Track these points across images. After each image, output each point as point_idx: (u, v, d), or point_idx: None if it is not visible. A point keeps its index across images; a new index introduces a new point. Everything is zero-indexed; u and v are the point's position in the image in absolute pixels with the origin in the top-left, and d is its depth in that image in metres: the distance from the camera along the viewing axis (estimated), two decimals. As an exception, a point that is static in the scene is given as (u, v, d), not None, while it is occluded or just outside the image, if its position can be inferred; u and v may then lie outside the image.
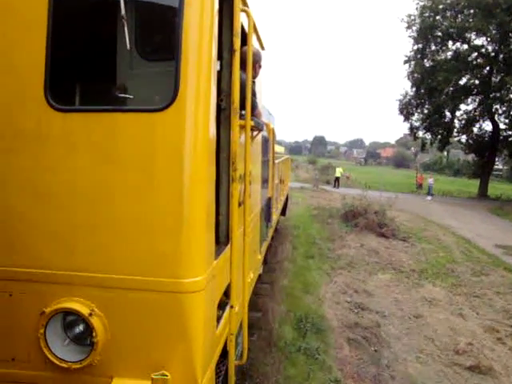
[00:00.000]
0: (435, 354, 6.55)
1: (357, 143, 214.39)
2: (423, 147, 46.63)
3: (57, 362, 2.59)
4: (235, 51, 2.94)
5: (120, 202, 2.54)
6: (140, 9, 3.23)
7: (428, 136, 44.16)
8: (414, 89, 41.69)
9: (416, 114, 43.41)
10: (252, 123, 3.39)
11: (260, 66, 4.37)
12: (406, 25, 39.78)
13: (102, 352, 2.56)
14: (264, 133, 6.01)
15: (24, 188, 2.62)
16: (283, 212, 14.45)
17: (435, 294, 9.44)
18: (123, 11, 2.55)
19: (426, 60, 39.88)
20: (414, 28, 39.35)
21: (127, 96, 3.16)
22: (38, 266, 2.61)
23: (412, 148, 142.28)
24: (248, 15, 3.32)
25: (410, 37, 40.11)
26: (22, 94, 2.61)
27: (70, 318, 2.62)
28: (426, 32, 38.13)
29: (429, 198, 34.95)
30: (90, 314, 2.54)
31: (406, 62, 41.16)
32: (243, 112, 3.22)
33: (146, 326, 2.57)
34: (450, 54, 39.58)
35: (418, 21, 38.75)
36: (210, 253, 2.77)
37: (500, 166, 76.49)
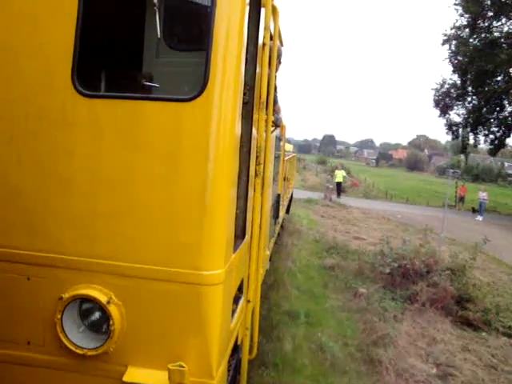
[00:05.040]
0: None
1: (367, 144, 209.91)
2: (464, 149, 36.95)
3: (72, 348, 2.62)
4: (265, 45, 3.09)
5: (143, 191, 2.56)
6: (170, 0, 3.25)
7: (474, 134, 34.61)
8: (456, 75, 33.09)
9: (457, 108, 34.52)
10: (273, 118, 3.53)
11: (280, 62, 4.32)
12: None
13: (118, 340, 2.59)
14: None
15: (47, 173, 2.64)
16: (287, 210, 14.46)
17: None
18: None
19: (475, 37, 30.88)
20: None
21: (153, 85, 3.16)
22: (58, 252, 2.64)
23: (425, 150, 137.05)
24: (275, 10, 3.40)
25: (456, 4, 30.91)
26: (49, 78, 2.63)
27: (86, 306, 2.65)
28: None
29: (479, 217, 27.09)
30: (108, 302, 2.56)
31: (445, 41, 32.30)
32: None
33: (163, 316, 2.59)
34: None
35: None
36: (229, 246, 2.78)
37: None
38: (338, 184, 29.95)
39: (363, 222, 19.12)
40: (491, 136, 33.53)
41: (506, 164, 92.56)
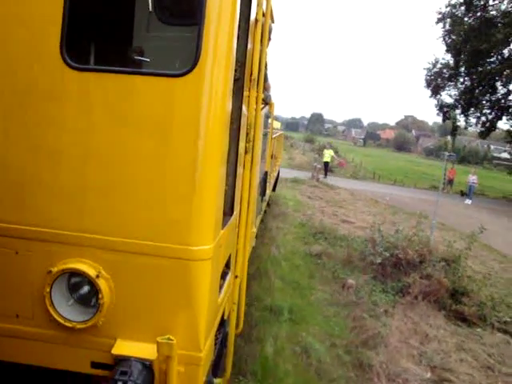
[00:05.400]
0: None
1: (355, 123, 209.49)
2: (454, 130, 36.19)
3: (61, 321, 2.64)
4: (257, 21, 3.11)
5: (133, 166, 2.56)
6: None
7: (465, 116, 33.98)
8: (449, 55, 32.63)
9: (448, 88, 33.95)
10: (262, 96, 3.50)
11: (270, 39, 4.24)
12: None
13: (107, 314, 2.61)
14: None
15: (36, 145, 2.61)
16: (274, 187, 14.47)
17: None
18: None
19: (470, 15, 30.09)
20: None
21: (144, 59, 3.12)
22: (46, 226, 2.63)
23: (413, 131, 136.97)
24: None
25: None
26: (37, 48, 2.57)
27: (75, 279, 2.67)
28: None
29: (468, 201, 26.76)
30: (97, 276, 2.58)
31: (439, 20, 31.59)
32: None
33: (152, 290, 2.62)
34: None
35: None
36: (218, 222, 2.80)
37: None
38: (326, 164, 29.25)
39: (351, 204, 18.57)
40: (483, 118, 33.08)
41: (492, 147, 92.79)
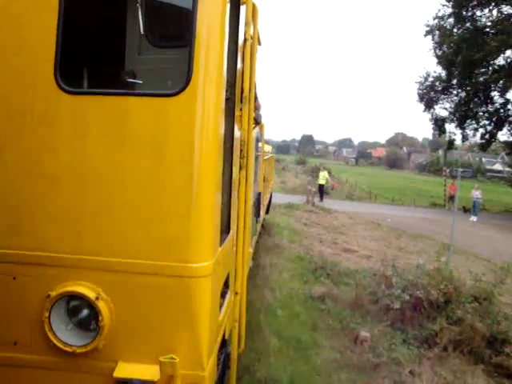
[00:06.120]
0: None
1: (345, 142, 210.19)
2: (450, 145, 34.99)
3: (61, 346, 2.62)
4: (246, 41, 3.19)
5: (130, 186, 2.59)
6: None
7: (461, 128, 32.26)
8: (440, 67, 31.46)
9: (442, 102, 32.63)
10: (254, 115, 3.61)
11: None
12: None
13: (108, 336, 2.60)
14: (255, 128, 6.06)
15: (31, 170, 2.65)
16: (267, 210, 14.32)
17: None
18: None
19: (459, 26, 29.17)
20: None
21: (136, 81, 3.19)
22: (44, 249, 2.64)
23: (404, 148, 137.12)
24: (254, 8, 3.45)
25: None
26: (31, 74, 2.64)
27: (74, 303, 2.65)
28: None
29: (473, 218, 25.30)
30: (97, 298, 2.57)
31: (428, 32, 30.79)
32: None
33: (152, 310, 2.61)
34: (507, 9, 27.84)
35: None
36: (216, 239, 2.83)
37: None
38: (321, 186, 27.86)
39: (351, 229, 17.16)
40: (481, 130, 31.91)
41: (484, 159, 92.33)
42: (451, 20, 29.64)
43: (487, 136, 31.91)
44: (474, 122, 31.69)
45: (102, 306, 2.55)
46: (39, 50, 2.61)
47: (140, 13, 2.72)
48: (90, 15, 3.13)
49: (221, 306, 3.13)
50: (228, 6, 2.80)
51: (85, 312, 2.63)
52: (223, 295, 3.26)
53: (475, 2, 28.48)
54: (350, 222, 19.10)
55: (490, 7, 28.14)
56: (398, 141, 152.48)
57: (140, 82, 3.19)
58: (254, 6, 3.42)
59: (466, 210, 27.43)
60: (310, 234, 15.40)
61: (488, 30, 28.02)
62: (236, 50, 3.29)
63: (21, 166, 2.64)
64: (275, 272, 9.77)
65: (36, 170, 2.63)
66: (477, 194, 26.12)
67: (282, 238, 13.65)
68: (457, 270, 9.23)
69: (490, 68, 28.90)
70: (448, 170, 34.64)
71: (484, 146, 33.54)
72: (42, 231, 2.64)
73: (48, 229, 2.63)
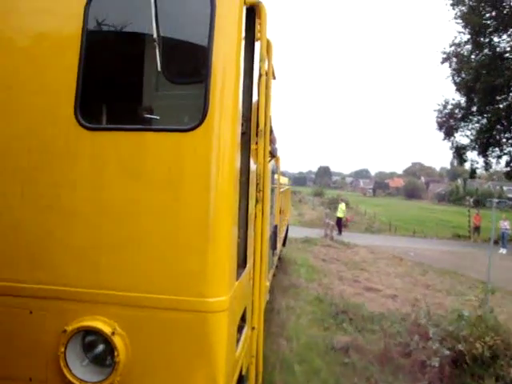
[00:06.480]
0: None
1: (362, 173, 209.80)
2: (473, 173, 33.11)
3: (76, 383, 2.61)
4: (261, 76, 3.28)
5: (147, 220, 2.61)
6: (168, 35, 3.19)
7: (484, 156, 30.96)
8: (459, 94, 30.50)
9: (462, 129, 31.41)
10: (269, 148, 3.59)
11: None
12: (452, 1, 28.28)
13: (123, 372, 2.58)
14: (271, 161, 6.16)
15: (50, 204, 2.70)
16: (284, 242, 14.06)
17: None
18: (155, 34, 2.69)
19: (477, 52, 28.46)
20: (463, 8, 28.04)
21: (153, 117, 3.25)
22: (61, 284, 2.66)
23: (422, 177, 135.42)
24: (269, 44, 3.50)
25: (456, 18, 28.73)
26: (52, 113, 2.74)
27: (90, 338, 2.65)
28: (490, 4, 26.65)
29: (503, 250, 23.69)
30: (113, 333, 2.57)
31: (444, 59, 30.01)
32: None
33: (168, 345, 2.60)
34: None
35: None
36: (233, 273, 2.81)
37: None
38: (339, 219, 26.75)
39: (373, 265, 16.15)
40: (505, 157, 30.32)
41: (505, 188, 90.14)
42: (468, 46, 29.15)
43: None
44: (497, 149, 30.45)
45: (117, 341, 2.55)
46: (61, 88, 2.72)
47: (157, 50, 2.77)
48: (109, 54, 3.24)
49: (238, 341, 3.09)
50: (243, 42, 2.87)
51: (100, 347, 2.62)
52: (240, 330, 3.22)
53: (492, 29, 28.00)
54: (371, 257, 18.07)
55: (509, 32, 27.62)
56: (415, 170, 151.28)
57: (157, 117, 3.23)
58: (268, 41, 3.50)
59: (493, 242, 25.94)
60: (329, 271, 14.38)
61: (508, 55, 27.30)
62: (251, 85, 3.36)
63: (40, 200, 2.70)
64: (292, 317, 8.66)
65: (54, 205, 2.68)
66: (505, 224, 24.74)
67: (299, 277, 12.58)
68: (493, 307, 8.15)
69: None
70: (472, 200, 33.15)
71: (510, 174, 31.78)
72: (59, 265, 2.67)
73: (66, 263, 2.67)
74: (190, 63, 3.19)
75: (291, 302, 9.82)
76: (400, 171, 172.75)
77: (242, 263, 3.25)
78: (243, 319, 3.32)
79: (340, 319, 8.68)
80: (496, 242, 25.64)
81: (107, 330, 2.54)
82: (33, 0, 2.88)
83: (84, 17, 2.75)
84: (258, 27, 3.36)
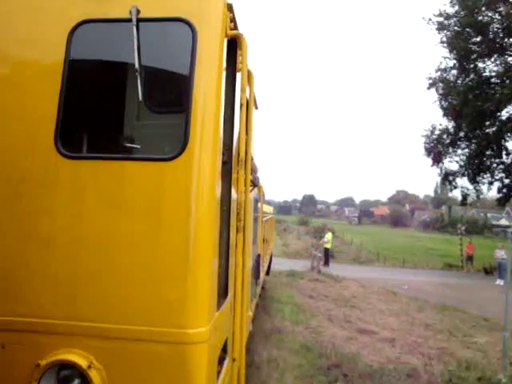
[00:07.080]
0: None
1: (347, 201, 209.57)
2: (464, 200, 31.43)
3: None
4: (242, 106, 3.26)
5: (126, 250, 2.57)
6: (150, 65, 3.25)
7: (474, 182, 29.76)
8: (446, 118, 29.79)
9: (451, 155, 30.20)
10: (251, 177, 3.56)
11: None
12: (437, 26, 27.75)
13: None
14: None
15: (27, 233, 2.65)
16: (267, 272, 14.03)
17: None
18: (137, 64, 2.68)
19: (463, 77, 28.01)
20: (448, 32, 27.75)
21: (134, 146, 3.25)
22: (36, 316, 2.58)
23: (406, 205, 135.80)
24: (250, 74, 3.59)
25: (442, 43, 28.32)
26: (32, 140, 2.71)
27: (65, 372, 2.55)
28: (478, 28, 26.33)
29: (500, 281, 21.94)
30: (89, 367, 2.49)
31: (431, 85, 29.40)
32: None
33: (147, 378, 2.52)
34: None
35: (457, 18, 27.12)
36: (213, 304, 2.77)
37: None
38: (326, 250, 25.50)
39: (365, 301, 14.86)
40: (497, 184, 29.28)
41: (489, 215, 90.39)
42: (454, 71, 28.62)
43: (504, 190, 29.03)
44: (488, 174, 29.34)
45: (94, 375, 2.47)
46: (41, 116, 2.71)
47: (139, 80, 2.76)
48: (90, 84, 3.23)
49: (219, 373, 3.01)
50: (224, 73, 2.92)
51: (76, 382, 2.53)
52: (221, 362, 3.13)
53: (476, 55, 27.68)
54: (362, 292, 16.86)
55: (492, 59, 27.30)
56: (399, 198, 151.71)
57: (138, 146, 3.23)
58: (249, 72, 3.60)
59: (487, 272, 24.79)
60: (317, 309, 12.88)
61: (494, 80, 26.85)
62: (233, 115, 3.38)
63: (17, 229, 2.65)
64: (274, 374, 7.20)
65: (32, 234, 2.64)
66: (502, 253, 22.63)
67: (284, 319, 11.06)
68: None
69: (503, 117, 27.25)
70: (463, 228, 32.12)
71: (502, 201, 30.62)
72: (34, 296, 2.60)
73: (41, 294, 2.59)
74: (171, 93, 3.21)
75: (274, 351, 8.25)
76: (384, 199, 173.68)
77: (222, 293, 3.21)
78: (224, 350, 3.26)
79: (333, 376, 7.11)
80: (488, 272, 24.54)
81: (83, 363, 2.48)
82: (16, 28, 2.89)
83: (67, 46, 2.77)
84: (239, 58, 3.39)
